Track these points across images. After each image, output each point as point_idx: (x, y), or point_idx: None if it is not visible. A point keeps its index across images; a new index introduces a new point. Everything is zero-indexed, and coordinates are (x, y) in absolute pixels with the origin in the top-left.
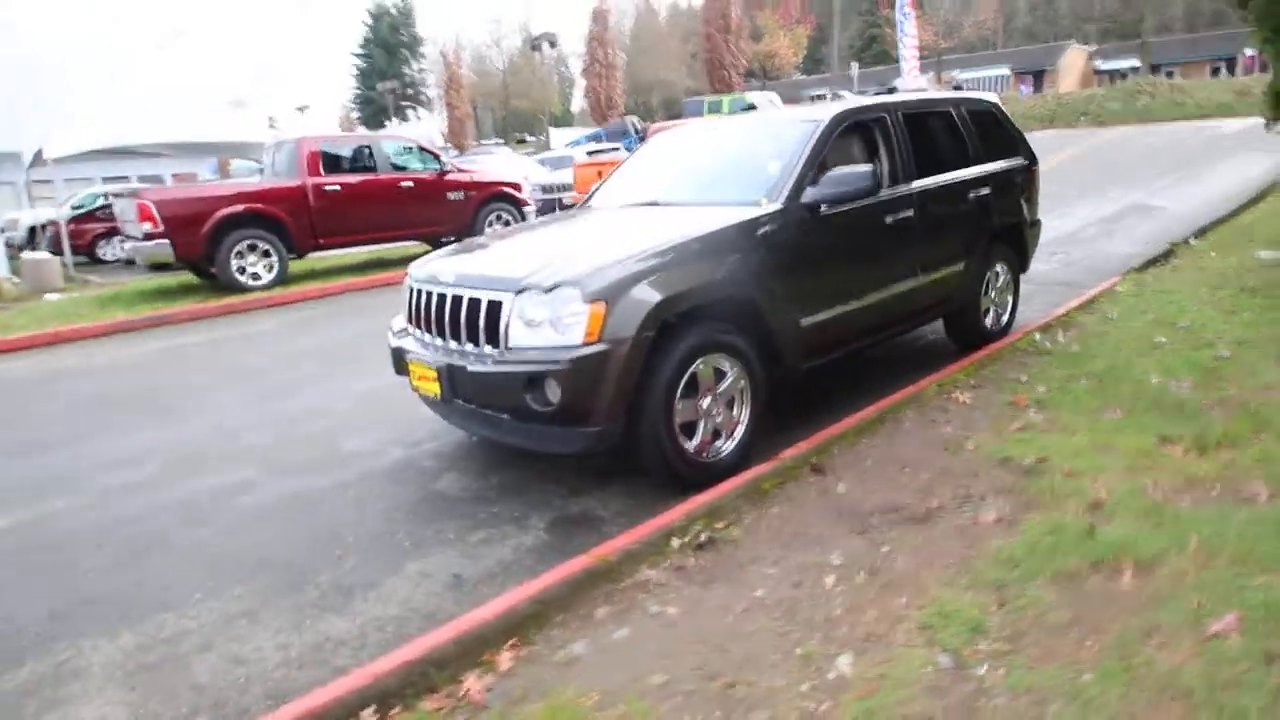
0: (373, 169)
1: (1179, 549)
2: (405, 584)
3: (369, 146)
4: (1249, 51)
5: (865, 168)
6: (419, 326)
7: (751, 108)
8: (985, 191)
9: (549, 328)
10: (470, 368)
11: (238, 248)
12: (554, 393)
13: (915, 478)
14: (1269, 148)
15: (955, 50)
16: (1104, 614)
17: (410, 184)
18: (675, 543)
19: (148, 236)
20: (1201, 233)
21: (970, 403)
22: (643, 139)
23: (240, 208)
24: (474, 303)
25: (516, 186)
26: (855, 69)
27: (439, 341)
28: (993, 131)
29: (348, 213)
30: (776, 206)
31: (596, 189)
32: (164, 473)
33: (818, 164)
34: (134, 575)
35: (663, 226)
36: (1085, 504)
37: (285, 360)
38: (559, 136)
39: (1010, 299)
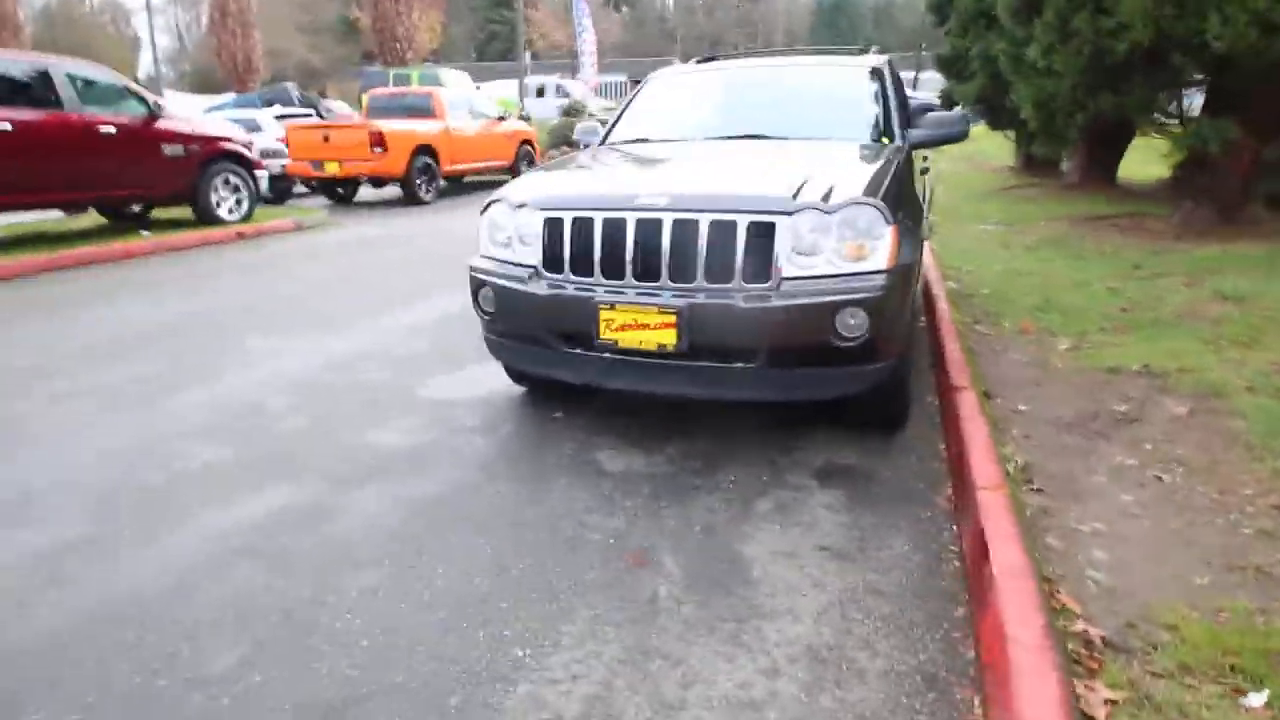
0: (57, 104)
1: None
2: (787, 568)
3: (47, 72)
4: None
5: (958, 112)
6: (580, 267)
7: (439, 83)
8: None
9: (830, 253)
10: (741, 305)
11: None
12: (858, 326)
13: (1060, 391)
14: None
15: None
16: None
17: (112, 130)
18: (1010, 469)
19: None
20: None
21: (992, 334)
22: (313, 106)
23: None
24: (722, 227)
25: (247, 145)
26: (528, 57)
27: (640, 282)
28: None
29: (19, 161)
30: (899, 143)
31: (613, 126)
32: (117, 518)
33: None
34: (390, 661)
35: (828, 158)
36: (1243, 388)
37: (76, 357)
38: (181, 100)
39: None
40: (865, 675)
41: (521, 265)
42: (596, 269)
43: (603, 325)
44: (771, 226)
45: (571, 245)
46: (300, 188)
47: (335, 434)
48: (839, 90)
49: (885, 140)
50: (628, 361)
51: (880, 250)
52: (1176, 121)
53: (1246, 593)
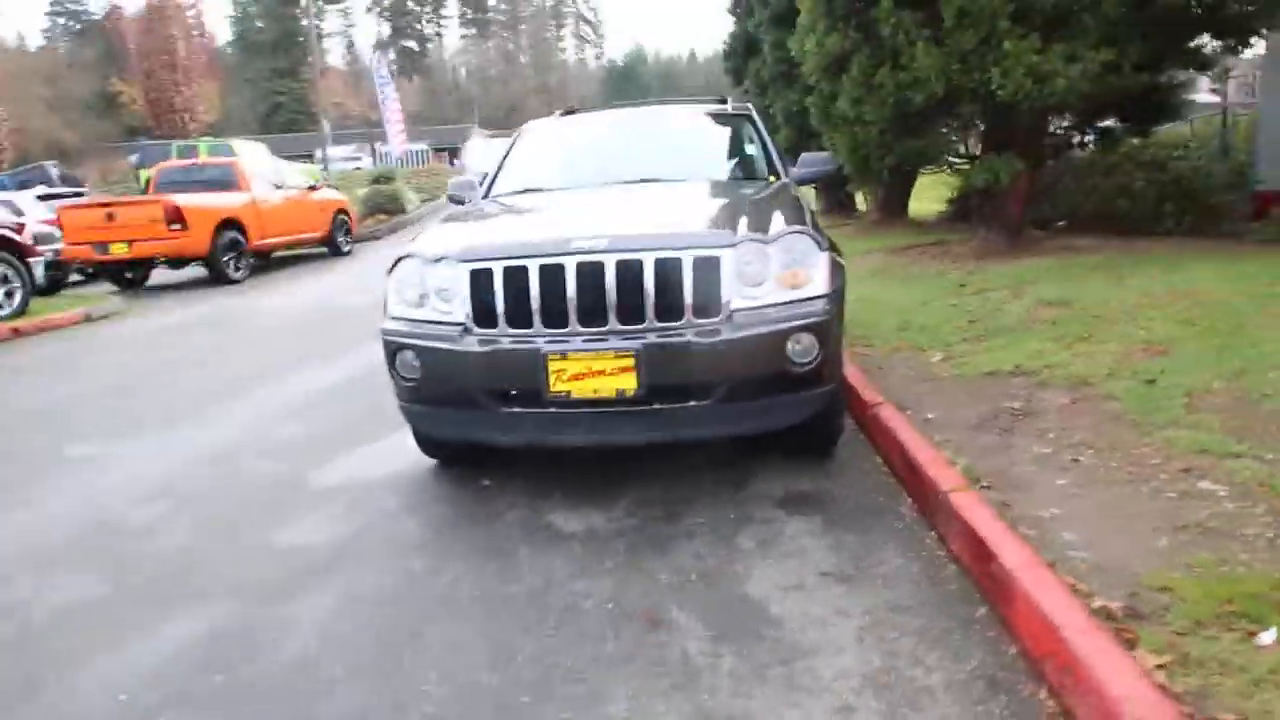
0: None
1: (1214, 376)
2: (802, 601)
3: None
4: None
5: (827, 154)
6: (516, 319)
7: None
8: None
9: (773, 281)
10: (699, 341)
11: None
12: (807, 351)
13: (954, 397)
14: None
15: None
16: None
17: None
18: (958, 471)
19: None
20: None
21: (871, 353)
22: (75, 184)
23: None
24: (668, 265)
25: (18, 229)
26: (328, 126)
27: (584, 328)
28: None
29: None
30: (786, 180)
31: (494, 179)
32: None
33: None
34: None
35: (739, 196)
36: (1105, 376)
37: None
38: None
39: None
40: (933, 692)
41: (446, 324)
42: (536, 318)
43: (553, 377)
44: (717, 260)
45: (505, 296)
46: (75, 275)
47: (232, 541)
48: (719, 134)
49: (773, 178)
50: (577, 413)
51: (817, 276)
52: (965, 161)
53: (1201, 548)
